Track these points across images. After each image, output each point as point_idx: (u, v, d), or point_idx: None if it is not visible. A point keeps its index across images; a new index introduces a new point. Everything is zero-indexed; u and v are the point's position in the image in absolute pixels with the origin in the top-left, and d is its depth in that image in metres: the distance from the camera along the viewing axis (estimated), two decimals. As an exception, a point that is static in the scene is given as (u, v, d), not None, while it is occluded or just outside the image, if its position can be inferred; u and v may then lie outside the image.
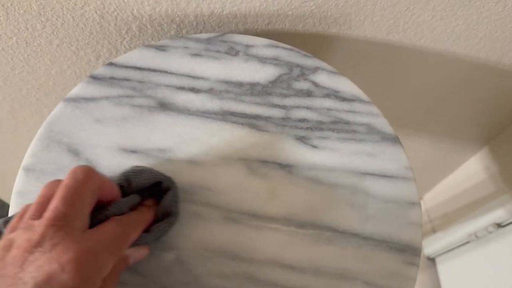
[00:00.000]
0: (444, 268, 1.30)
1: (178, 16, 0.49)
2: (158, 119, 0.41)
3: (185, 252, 0.36)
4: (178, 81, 0.43)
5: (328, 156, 0.41)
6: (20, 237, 0.24)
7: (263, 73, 0.44)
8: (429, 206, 1.37)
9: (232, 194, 0.39)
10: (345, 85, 0.44)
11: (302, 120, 0.42)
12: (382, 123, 0.42)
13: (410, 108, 0.84)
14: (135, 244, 0.31)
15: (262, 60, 0.45)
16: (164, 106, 0.41)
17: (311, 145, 0.41)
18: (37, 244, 0.23)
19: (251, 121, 0.42)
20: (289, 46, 0.45)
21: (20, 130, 0.73)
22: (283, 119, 0.42)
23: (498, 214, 0.99)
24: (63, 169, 0.38)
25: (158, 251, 0.36)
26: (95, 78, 0.42)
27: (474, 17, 0.57)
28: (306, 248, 0.37)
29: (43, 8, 0.45)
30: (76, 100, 0.41)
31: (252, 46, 0.45)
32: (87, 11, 0.47)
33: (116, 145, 0.39)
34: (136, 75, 0.43)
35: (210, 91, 0.43)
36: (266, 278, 0.36)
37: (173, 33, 0.52)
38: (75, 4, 0.46)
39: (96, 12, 0.47)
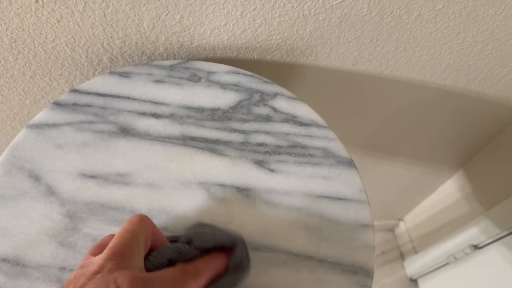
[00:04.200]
0: (426, 289, 1.30)
1: (148, 48, 0.50)
2: (119, 144, 0.42)
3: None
4: (140, 106, 0.44)
5: (285, 179, 0.42)
6: (78, 272, 0.26)
7: (224, 99, 0.45)
8: (409, 227, 1.38)
9: (190, 218, 0.39)
10: (303, 110, 0.45)
11: (261, 144, 0.43)
12: (338, 147, 0.43)
13: (384, 133, 0.86)
14: None
15: (224, 86, 0.46)
16: (125, 132, 0.42)
17: (269, 169, 0.42)
18: (96, 272, 0.25)
19: (211, 146, 0.43)
20: (249, 73, 0.47)
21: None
22: (242, 143, 0.43)
23: (473, 236, 1.00)
24: (24, 194, 0.39)
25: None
26: (58, 104, 0.43)
27: (437, 48, 0.59)
28: (262, 271, 0.38)
29: (15, 41, 0.47)
30: (39, 126, 0.42)
31: (214, 72, 0.47)
32: (58, 44, 0.48)
33: (76, 170, 0.40)
34: (99, 101, 0.44)
35: (171, 116, 0.44)
36: (221, 301, 0.36)
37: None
38: (46, 38, 0.47)
39: (67, 45, 0.48)
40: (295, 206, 0.40)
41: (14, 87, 0.54)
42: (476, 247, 1.03)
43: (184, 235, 0.34)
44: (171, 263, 0.30)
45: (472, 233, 1.02)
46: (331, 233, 0.39)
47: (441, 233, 1.18)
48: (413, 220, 1.36)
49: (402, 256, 1.42)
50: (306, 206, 0.41)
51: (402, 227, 1.42)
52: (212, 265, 0.32)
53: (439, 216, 1.20)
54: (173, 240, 0.35)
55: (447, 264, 1.16)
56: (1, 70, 0.51)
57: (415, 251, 1.35)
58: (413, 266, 1.34)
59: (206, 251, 0.33)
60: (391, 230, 1.48)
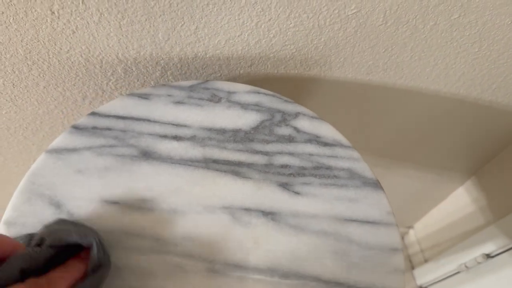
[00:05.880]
0: (437, 298, 1.29)
1: (163, 59, 0.50)
2: (141, 168, 0.41)
3: (167, 307, 0.36)
4: (161, 129, 0.43)
5: (310, 202, 0.41)
6: None
7: (245, 120, 0.45)
8: (420, 236, 1.37)
9: (215, 244, 0.38)
10: (326, 130, 0.44)
11: (285, 166, 0.42)
12: (363, 168, 0.43)
13: (395, 142, 0.86)
14: None
15: (244, 106, 0.45)
16: (146, 155, 0.42)
17: (294, 192, 0.41)
18: None
19: (234, 168, 0.42)
20: (270, 92, 0.46)
21: (8, 166, 0.73)
22: (266, 165, 0.42)
23: (486, 245, 0.99)
24: (45, 222, 0.38)
25: (140, 307, 0.35)
26: (77, 128, 0.42)
27: (452, 57, 0.58)
28: (290, 299, 0.37)
29: (29, 52, 0.46)
30: (58, 151, 0.41)
31: (234, 92, 0.46)
32: (72, 55, 0.48)
33: (98, 196, 0.39)
34: (119, 124, 0.43)
35: (193, 138, 0.43)
36: (250, 331, 0.35)
37: (158, 75, 0.53)
38: (61, 49, 0.46)
39: (81, 56, 0.48)
40: (322, 230, 0.40)
41: (28, 97, 0.54)
42: (488, 256, 1.02)
43: (38, 233, 0.33)
44: (24, 274, 0.29)
45: (484, 242, 1.01)
46: (360, 258, 0.39)
47: (452, 242, 1.17)
48: (423, 228, 1.35)
49: (412, 265, 1.41)
50: (333, 230, 0.40)
51: (412, 235, 1.41)
52: (67, 274, 0.31)
53: (450, 224, 1.19)
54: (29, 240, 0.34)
55: (458, 273, 1.15)
56: (16, 81, 0.51)
57: (425, 259, 1.34)
58: (423, 275, 1.33)
59: (63, 249, 0.33)
60: (401, 238, 1.47)
